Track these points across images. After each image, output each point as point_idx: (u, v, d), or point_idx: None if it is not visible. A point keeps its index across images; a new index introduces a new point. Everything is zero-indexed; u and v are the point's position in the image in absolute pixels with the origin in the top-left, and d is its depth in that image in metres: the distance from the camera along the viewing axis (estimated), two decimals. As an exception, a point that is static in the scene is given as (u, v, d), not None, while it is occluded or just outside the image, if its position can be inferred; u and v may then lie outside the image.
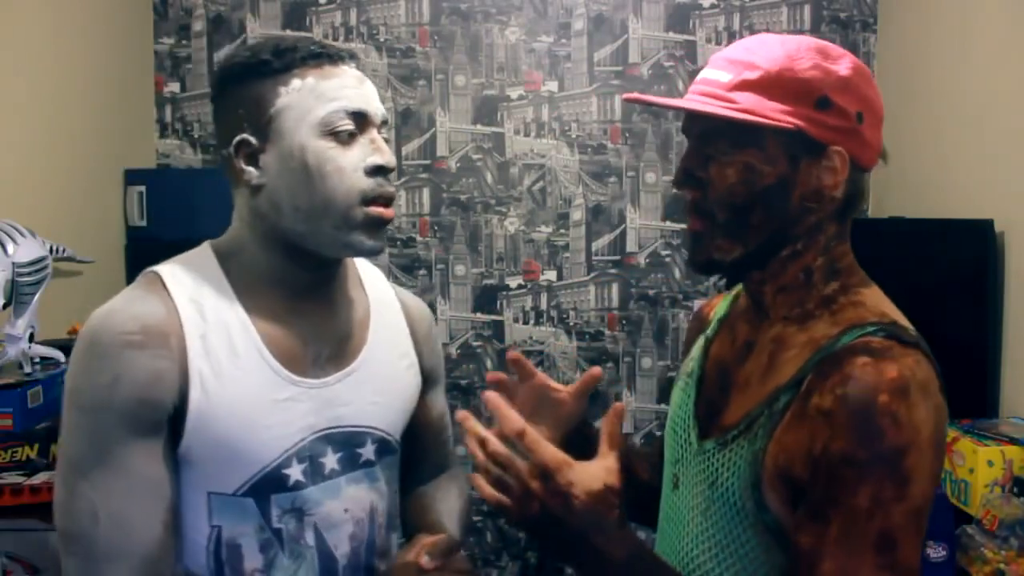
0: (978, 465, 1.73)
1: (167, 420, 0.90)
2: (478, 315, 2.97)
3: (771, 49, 0.90)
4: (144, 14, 2.86)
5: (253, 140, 0.95)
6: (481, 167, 2.94)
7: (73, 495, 0.88)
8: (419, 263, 2.96)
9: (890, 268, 2.26)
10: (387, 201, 0.96)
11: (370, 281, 1.11)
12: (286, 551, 0.96)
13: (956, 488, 1.79)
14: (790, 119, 0.87)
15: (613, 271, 2.97)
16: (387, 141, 0.99)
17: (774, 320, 0.94)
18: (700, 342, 1.08)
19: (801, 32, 2.87)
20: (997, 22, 2.13)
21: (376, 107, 0.97)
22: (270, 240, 0.97)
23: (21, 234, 1.82)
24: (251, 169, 0.95)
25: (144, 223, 2.65)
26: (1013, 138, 2.02)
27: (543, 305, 2.97)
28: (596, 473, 0.83)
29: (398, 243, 2.95)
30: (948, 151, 2.37)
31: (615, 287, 2.97)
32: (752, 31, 2.88)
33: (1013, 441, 1.74)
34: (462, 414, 0.86)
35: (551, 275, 2.97)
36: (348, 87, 0.96)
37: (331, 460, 1.00)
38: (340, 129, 0.94)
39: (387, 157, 0.96)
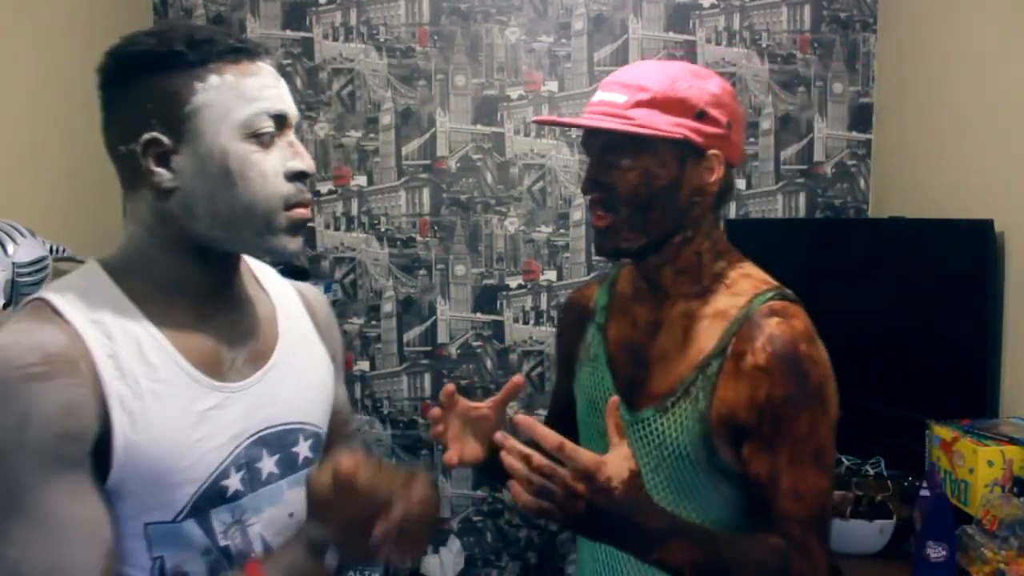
0: (978, 465, 1.73)
1: (90, 454, 0.81)
2: (478, 315, 2.97)
3: (655, 73, 1.09)
4: (144, 14, 2.86)
5: (165, 139, 0.86)
6: (481, 167, 2.94)
7: None
8: (419, 263, 2.96)
9: (890, 268, 2.28)
10: (305, 205, 0.93)
11: (265, 277, 1.06)
12: (236, 568, 0.90)
13: (956, 488, 1.79)
14: (678, 129, 1.07)
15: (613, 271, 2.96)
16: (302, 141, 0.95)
17: (675, 299, 1.14)
18: (592, 329, 1.25)
19: (801, 32, 2.88)
20: (997, 22, 2.13)
21: (293, 108, 0.93)
22: (177, 245, 0.90)
23: (21, 234, 1.83)
24: (162, 171, 0.87)
25: (144, 223, 2.64)
26: (1013, 138, 2.02)
27: (543, 305, 2.97)
28: (621, 463, 0.94)
29: (398, 243, 2.95)
30: (948, 151, 2.37)
31: (615, 287, 2.97)
32: (752, 31, 2.88)
33: (1013, 441, 1.73)
34: (499, 435, 0.93)
35: (551, 275, 2.97)
36: (268, 87, 0.90)
37: (268, 464, 0.95)
38: (262, 131, 0.88)
39: (308, 162, 0.91)
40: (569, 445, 0.91)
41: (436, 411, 1.14)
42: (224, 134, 0.87)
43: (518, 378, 1.13)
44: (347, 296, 2.95)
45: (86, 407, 0.80)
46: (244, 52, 0.89)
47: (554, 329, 2.97)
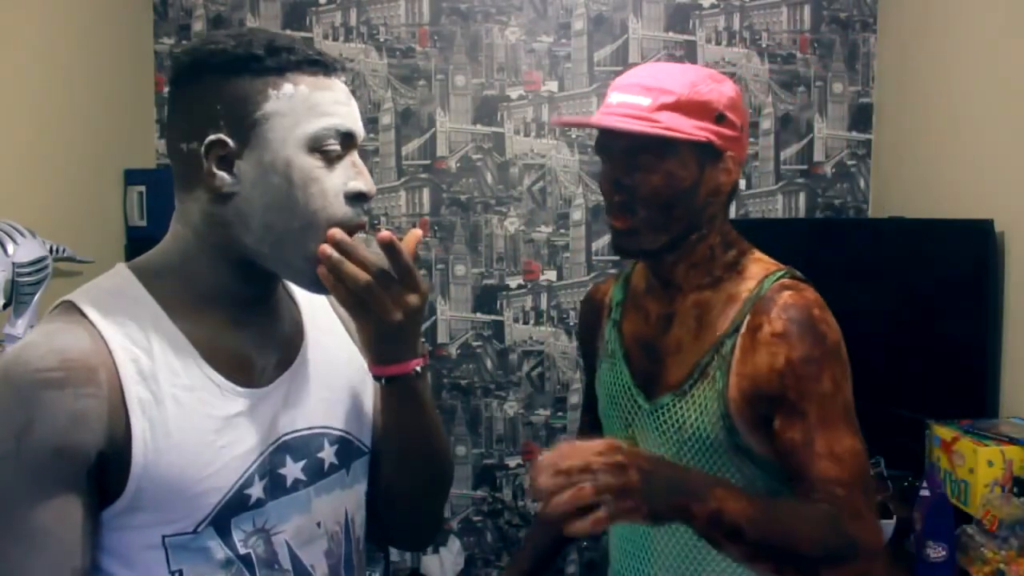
0: (978, 465, 1.73)
1: (91, 470, 0.79)
2: (478, 315, 2.97)
3: (676, 76, 1.11)
4: (144, 14, 2.86)
5: (230, 142, 0.85)
6: (481, 167, 2.94)
7: None
8: (419, 263, 2.95)
9: (890, 268, 2.28)
10: (357, 231, 0.90)
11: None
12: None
13: (956, 488, 1.79)
14: (702, 133, 1.09)
15: (613, 271, 2.96)
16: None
17: (687, 291, 1.16)
18: (609, 325, 1.28)
19: (801, 32, 2.88)
20: (996, 22, 2.13)
21: (360, 128, 0.91)
22: (222, 253, 0.88)
23: (21, 234, 1.83)
24: (223, 174, 0.85)
25: (144, 223, 2.65)
26: (1013, 138, 2.02)
27: (543, 305, 2.97)
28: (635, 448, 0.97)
29: (398, 243, 2.95)
30: (948, 151, 2.37)
31: (615, 287, 2.97)
32: (752, 31, 2.88)
33: (1013, 441, 1.74)
34: (533, 474, 0.89)
35: (551, 275, 2.97)
36: (340, 103, 0.89)
37: (293, 470, 0.92)
38: (328, 148, 0.87)
39: (369, 184, 0.90)
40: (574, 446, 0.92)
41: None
42: (291, 145, 0.85)
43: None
44: (347, 296, 2.94)
45: (94, 421, 0.79)
46: (320, 65, 0.88)
47: (554, 329, 2.98)
